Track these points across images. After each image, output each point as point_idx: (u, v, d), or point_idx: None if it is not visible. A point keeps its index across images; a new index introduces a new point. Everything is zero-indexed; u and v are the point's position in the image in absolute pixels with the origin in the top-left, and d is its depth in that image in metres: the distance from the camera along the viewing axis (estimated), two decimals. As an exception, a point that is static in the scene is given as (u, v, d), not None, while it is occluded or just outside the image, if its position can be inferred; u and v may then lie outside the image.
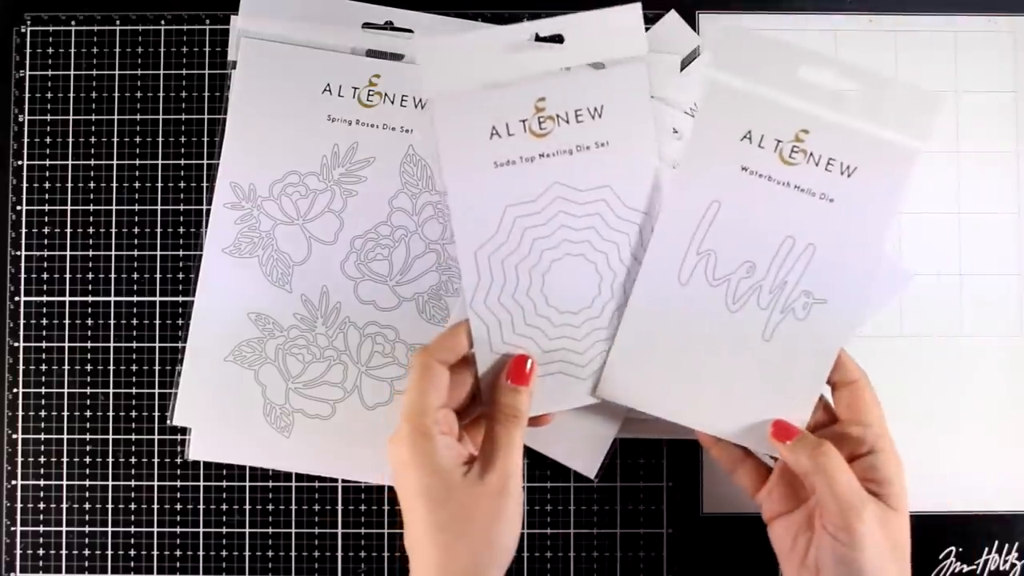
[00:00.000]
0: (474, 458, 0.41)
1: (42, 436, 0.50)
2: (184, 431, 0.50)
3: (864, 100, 0.44)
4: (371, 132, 0.49)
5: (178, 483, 0.50)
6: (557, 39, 0.46)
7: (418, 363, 0.42)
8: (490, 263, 0.45)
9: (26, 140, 0.51)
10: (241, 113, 0.49)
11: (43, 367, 0.50)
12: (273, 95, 0.49)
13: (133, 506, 0.50)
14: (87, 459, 0.50)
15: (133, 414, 0.50)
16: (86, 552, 0.50)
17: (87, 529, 0.50)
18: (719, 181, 0.44)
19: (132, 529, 0.50)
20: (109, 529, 0.50)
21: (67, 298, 0.50)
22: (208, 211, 0.50)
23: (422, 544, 0.39)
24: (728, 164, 0.44)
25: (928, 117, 0.43)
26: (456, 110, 0.45)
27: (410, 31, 0.50)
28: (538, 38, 0.46)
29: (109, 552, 0.50)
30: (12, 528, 0.50)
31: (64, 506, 0.50)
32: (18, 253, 0.50)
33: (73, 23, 0.51)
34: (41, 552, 0.50)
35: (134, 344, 0.50)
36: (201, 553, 0.50)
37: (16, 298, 0.50)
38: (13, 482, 0.50)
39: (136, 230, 0.50)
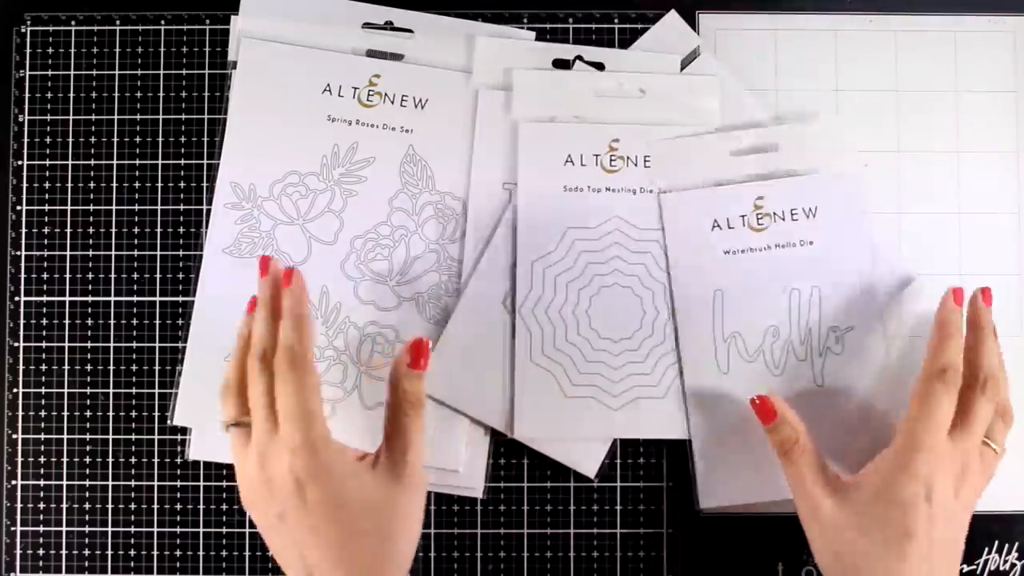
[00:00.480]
0: (367, 454, 0.41)
1: (42, 436, 0.50)
2: (184, 431, 0.50)
3: (792, 149, 0.48)
4: (371, 132, 0.49)
5: (178, 483, 0.50)
6: (598, 66, 0.50)
7: (295, 356, 0.39)
8: (544, 275, 0.48)
9: (26, 140, 0.51)
10: (241, 113, 0.49)
11: (43, 367, 0.50)
12: (273, 95, 0.49)
13: (133, 506, 0.50)
14: (87, 459, 0.50)
15: (133, 414, 0.50)
16: (86, 552, 0.50)
17: (87, 529, 0.50)
18: (711, 271, 0.48)
19: (132, 529, 0.50)
20: (109, 529, 0.50)
21: (67, 298, 0.50)
22: (208, 211, 0.50)
23: (326, 560, 0.37)
24: (712, 253, 0.48)
25: (847, 140, 0.49)
26: (539, 134, 0.49)
27: (410, 31, 0.50)
28: (581, 60, 0.50)
29: (109, 552, 0.50)
30: (12, 528, 0.50)
31: (64, 506, 0.50)
32: (18, 253, 0.50)
33: (73, 23, 0.51)
34: (41, 552, 0.50)
35: (134, 344, 0.50)
36: (201, 553, 0.50)
37: (16, 298, 0.50)
38: (13, 482, 0.50)
39: (136, 230, 0.50)
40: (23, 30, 0.51)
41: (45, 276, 0.50)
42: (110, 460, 0.50)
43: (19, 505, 0.50)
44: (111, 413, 0.50)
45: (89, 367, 0.50)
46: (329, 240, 0.49)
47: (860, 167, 0.49)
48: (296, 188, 0.49)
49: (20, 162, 0.51)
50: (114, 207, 0.51)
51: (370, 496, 0.39)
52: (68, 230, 0.50)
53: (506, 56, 0.49)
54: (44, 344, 0.50)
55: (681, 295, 0.48)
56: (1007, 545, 0.50)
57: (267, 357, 0.40)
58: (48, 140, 0.51)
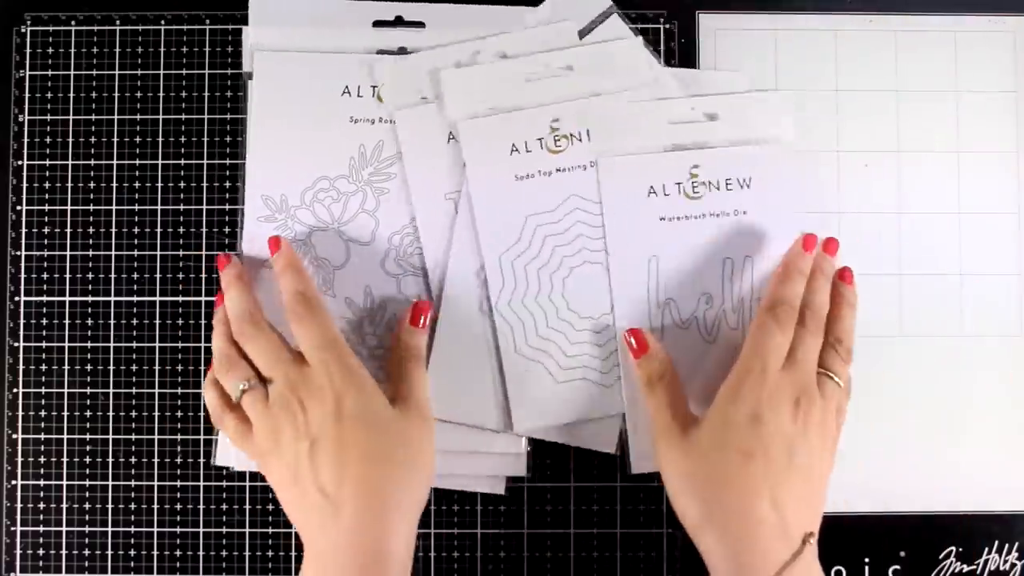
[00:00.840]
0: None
1: (42, 436, 0.50)
2: (184, 431, 0.50)
3: (730, 120, 0.48)
4: (394, 128, 0.49)
5: (178, 483, 0.50)
6: (419, 24, 0.49)
7: (307, 298, 0.43)
8: (513, 267, 0.47)
9: (26, 140, 0.51)
10: (263, 126, 0.49)
11: (43, 367, 0.50)
12: (293, 104, 0.49)
13: (133, 506, 0.50)
14: (87, 459, 0.50)
15: (133, 414, 0.50)
16: (86, 552, 0.50)
17: (87, 529, 0.50)
18: (646, 238, 0.48)
19: (132, 529, 0.50)
20: (109, 529, 0.50)
21: (67, 298, 0.50)
22: (209, 211, 0.50)
23: (357, 477, 0.40)
24: (646, 219, 0.48)
25: (786, 115, 0.49)
26: (480, 131, 0.48)
27: (421, 24, 0.50)
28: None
29: (109, 552, 0.50)
30: (12, 528, 0.50)
31: (64, 506, 0.50)
32: (18, 253, 0.50)
33: (73, 23, 0.51)
34: (41, 552, 0.50)
35: (134, 344, 0.50)
36: (201, 553, 0.50)
37: (16, 298, 0.50)
38: (13, 482, 0.50)
39: (136, 230, 0.50)
40: (23, 30, 0.51)
41: (45, 276, 0.50)
42: (110, 460, 0.50)
43: (19, 505, 0.50)
44: (111, 413, 0.50)
45: (89, 367, 0.50)
46: (366, 240, 0.49)
47: (794, 138, 0.49)
48: (327, 193, 0.49)
49: (20, 162, 0.51)
50: (114, 207, 0.51)
51: (391, 422, 0.42)
52: (68, 230, 0.50)
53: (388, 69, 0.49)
54: (44, 344, 0.50)
55: (617, 261, 0.48)
56: (1007, 545, 0.50)
57: (254, 317, 0.44)
58: (48, 140, 0.51)
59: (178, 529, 0.50)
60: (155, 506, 0.50)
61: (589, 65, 0.48)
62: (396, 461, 0.41)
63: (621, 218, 0.48)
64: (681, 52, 0.51)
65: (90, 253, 0.50)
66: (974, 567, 0.50)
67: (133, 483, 0.50)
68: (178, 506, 0.50)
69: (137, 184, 0.51)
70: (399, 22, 0.50)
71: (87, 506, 0.50)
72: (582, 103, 0.48)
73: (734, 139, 0.48)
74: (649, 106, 0.48)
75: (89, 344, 0.50)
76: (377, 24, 0.50)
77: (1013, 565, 0.50)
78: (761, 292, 0.47)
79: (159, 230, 0.50)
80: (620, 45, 0.49)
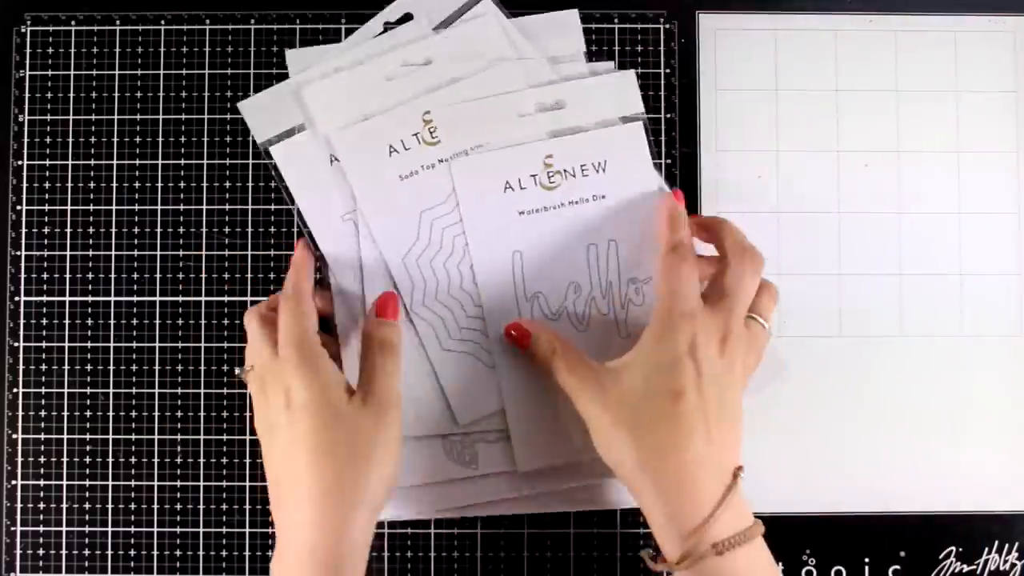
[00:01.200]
0: (352, 389, 0.43)
1: (42, 436, 0.50)
2: (184, 431, 0.50)
3: (578, 106, 0.48)
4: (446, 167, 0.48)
5: (178, 483, 0.50)
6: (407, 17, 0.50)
7: (291, 291, 0.44)
8: (419, 266, 0.47)
9: (26, 140, 0.51)
10: (303, 188, 0.49)
11: (43, 367, 0.50)
12: (344, 181, 0.48)
13: (133, 506, 0.50)
14: (87, 459, 0.50)
15: (133, 414, 0.50)
16: (86, 552, 0.50)
17: (87, 529, 0.50)
18: (507, 233, 0.47)
19: (132, 529, 0.50)
20: (109, 529, 0.50)
21: (67, 298, 0.50)
22: (209, 211, 0.50)
23: (302, 469, 0.40)
24: (505, 214, 0.47)
25: (631, 90, 0.48)
26: (354, 141, 0.47)
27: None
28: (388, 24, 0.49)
29: (109, 552, 0.50)
30: (12, 528, 0.50)
31: (64, 506, 0.50)
32: (18, 253, 0.50)
33: (73, 23, 0.51)
34: (41, 552, 0.50)
35: (134, 344, 0.50)
36: (201, 553, 0.50)
37: (16, 298, 0.50)
38: (13, 482, 0.50)
39: (136, 230, 0.50)
40: (23, 30, 0.51)
41: (45, 276, 0.50)
42: (110, 460, 0.50)
43: (19, 505, 0.50)
44: (111, 413, 0.50)
45: (89, 367, 0.50)
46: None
47: (643, 117, 0.48)
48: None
49: (20, 162, 0.51)
50: (114, 207, 0.51)
51: (344, 417, 0.41)
52: (68, 230, 0.50)
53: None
54: (44, 344, 0.50)
55: (481, 260, 0.47)
56: (1007, 545, 0.50)
57: (287, 299, 0.45)
58: (48, 140, 0.51)
59: (178, 529, 0.50)
60: (155, 506, 0.50)
61: (448, 55, 0.48)
62: (344, 454, 0.41)
63: (480, 215, 0.47)
64: (681, 52, 0.51)
65: (90, 253, 0.50)
66: (974, 567, 0.50)
67: (133, 483, 0.50)
68: (178, 506, 0.50)
69: (137, 184, 0.51)
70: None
71: (87, 506, 0.50)
72: (444, 94, 0.48)
73: (584, 124, 0.48)
74: (497, 101, 0.48)
75: (89, 344, 0.50)
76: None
77: (1013, 565, 0.50)
78: (632, 274, 0.47)
79: (159, 230, 0.50)
80: (474, 30, 0.48)
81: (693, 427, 0.40)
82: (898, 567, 0.50)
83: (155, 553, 0.50)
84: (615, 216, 0.47)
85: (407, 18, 0.49)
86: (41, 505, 0.50)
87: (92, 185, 0.51)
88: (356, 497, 0.40)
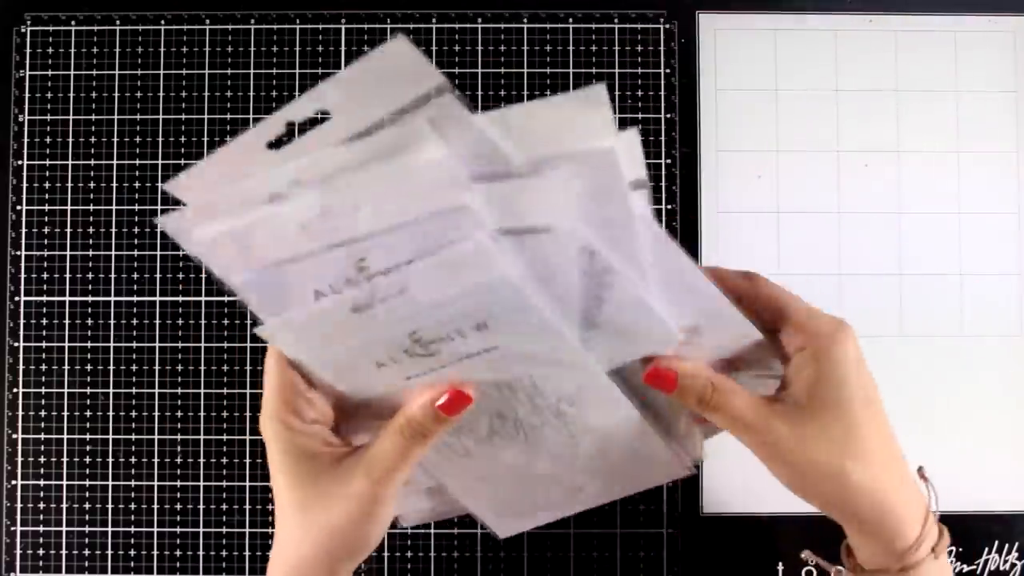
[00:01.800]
0: (349, 446, 0.38)
1: (42, 436, 0.50)
2: (184, 431, 0.50)
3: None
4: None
5: (178, 483, 0.50)
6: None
7: (272, 348, 0.37)
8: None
9: (26, 140, 0.51)
10: None
11: (43, 367, 0.50)
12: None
13: (133, 506, 0.50)
14: (87, 459, 0.50)
15: (133, 414, 0.50)
16: (86, 552, 0.50)
17: (87, 529, 0.50)
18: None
19: (132, 529, 0.50)
20: (109, 529, 0.50)
21: (67, 298, 0.50)
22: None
23: (284, 515, 0.37)
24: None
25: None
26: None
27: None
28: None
29: (109, 552, 0.50)
30: (12, 528, 0.50)
31: (64, 506, 0.50)
32: (18, 253, 0.50)
33: (73, 23, 0.51)
34: (41, 552, 0.50)
35: (134, 344, 0.50)
36: (201, 553, 0.50)
37: (16, 298, 0.50)
38: (13, 482, 0.50)
39: (136, 230, 0.50)
40: (23, 30, 0.51)
41: (45, 276, 0.50)
42: (110, 460, 0.50)
43: (19, 505, 0.50)
44: (111, 413, 0.50)
45: (89, 367, 0.50)
46: None
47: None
48: None
49: (20, 162, 0.51)
50: (114, 207, 0.51)
51: (317, 481, 0.37)
52: (68, 230, 0.50)
53: None
54: (44, 344, 0.50)
55: None
56: (1007, 545, 0.50)
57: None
58: (48, 140, 0.51)
59: (178, 529, 0.50)
60: (155, 506, 0.50)
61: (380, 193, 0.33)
62: (318, 522, 0.37)
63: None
64: (681, 52, 0.51)
65: (90, 253, 0.50)
66: (974, 567, 0.50)
67: (133, 483, 0.50)
68: (178, 506, 0.50)
69: (137, 184, 0.51)
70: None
71: (87, 506, 0.50)
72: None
73: (438, 298, 0.34)
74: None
75: (89, 344, 0.50)
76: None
77: (1013, 565, 0.50)
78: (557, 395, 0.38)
79: (159, 230, 0.50)
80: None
81: (888, 430, 0.39)
82: (898, 567, 0.50)
83: (155, 553, 0.50)
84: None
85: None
86: (41, 505, 0.50)
87: (92, 185, 0.51)
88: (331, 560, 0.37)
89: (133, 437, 0.50)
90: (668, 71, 0.51)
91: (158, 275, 0.50)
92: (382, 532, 0.37)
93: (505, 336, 0.36)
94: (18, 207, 0.51)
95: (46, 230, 0.50)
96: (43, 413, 0.50)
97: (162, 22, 0.51)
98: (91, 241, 0.50)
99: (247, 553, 0.49)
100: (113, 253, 0.50)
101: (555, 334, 0.36)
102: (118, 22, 0.51)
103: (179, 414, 0.50)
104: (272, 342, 0.36)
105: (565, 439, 0.40)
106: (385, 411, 0.38)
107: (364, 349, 0.35)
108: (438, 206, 0.32)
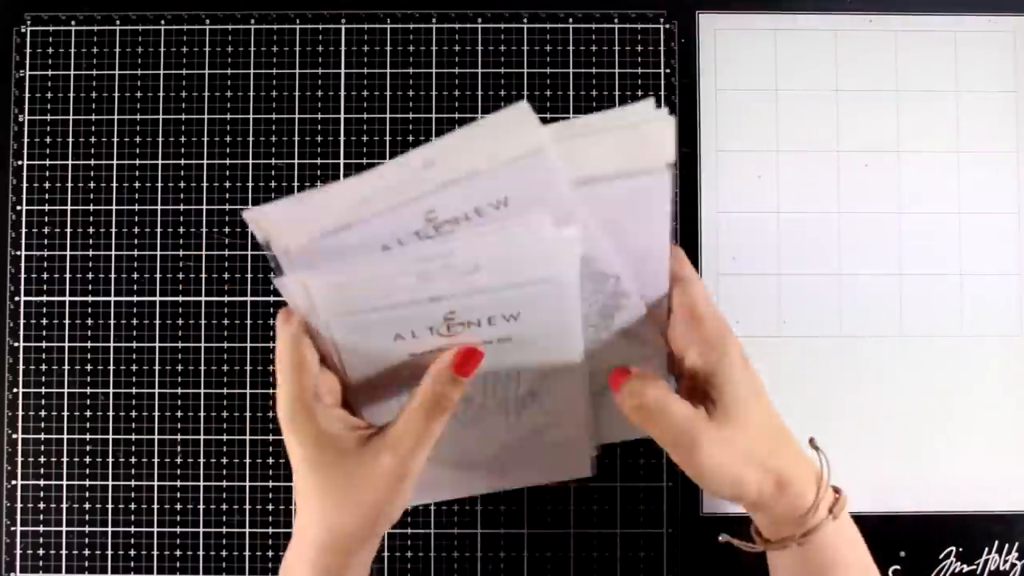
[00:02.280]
0: (371, 427, 0.38)
1: (42, 436, 0.50)
2: (184, 431, 0.50)
3: (492, 269, 0.35)
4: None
5: (178, 483, 0.50)
6: None
7: (285, 334, 0.37)
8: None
9: (26, 140, 0.51)
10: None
11: (43, 367, 0.50)
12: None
13: (133, 506, 0.50)
14: (87, 459, 0.50)
15: (133, 414, 0.50)
16: (86, 552, 0.50)
17: (87, 529, 0.50)
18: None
19: (132, 529, 0.50)
20: (109, 529, 0.50)
21: (67, 298, 0.50)
22: (209, 211, 0.50)
23: (307, 499, 0.38)
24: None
25: (567, 255, 0.35)
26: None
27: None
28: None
29: (109, 552, 0.50)
30: (12, 528, 0.50)
31: (64, 506, 0.50)
32: (18, 253, 0.50)
33: (73, 23, 0.51)
34: (41, 552, 0.50)
35: (134, 344, 0.50)
36: (201, 553, 0.50)
37: (16, 298, 0.50)
38: (13, 482, 0.50)
39: (136, 230, 0.50)
40: (23, 30, 0.51)
41: (45, 276, 0.50)
42: (110, 460, 0.50)
43: (19, 505, 0.50)
44: (111, 413, 0.50)
45: (89, 367, 0.50)
46: None
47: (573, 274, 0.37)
48: None
49: (20, 162, 0.51)
50: (114, 207, 0.51)
51: (340, 463, 0.37)
52: (68, 230, 0.50)
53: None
54: (44, 344, 0.50)
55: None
56: (1007, 545, 0.50)
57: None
58: (48, 140, 0.51)
59: (178, 529, 0.50)
60: (155, 506, 0.50)
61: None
62: (344, 503, 0.38)
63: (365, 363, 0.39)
64: (681, 52, 0.51)
65: (90, 253, 0.50)
66: (974, 567, 0.50)
67: (133, 483, 0.50)
68: (178, 506, 0.50)
69: (137, 184, 0.51)
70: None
71: (87, 506, 0.50)
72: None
73: (497, 285, 0.36)
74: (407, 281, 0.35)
75: (89, 344, 0.50)
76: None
77: (1013, 565, 0.50)
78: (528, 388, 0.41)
79: (159, 230, 0.50)
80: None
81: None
82: (898, 567, 0.50)
83: (155, 553, 0.50)
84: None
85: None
86: (41, 505, 0.50)
87: (92, 185, 0.51)
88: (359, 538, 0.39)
89: (133, 437, 0.50)
90: (668, 71, 0.51)
91: (158, 275, 0.50)
92: (406, 504, 0.39)
93: (528, 329, 0.38)
94: (18, 207, 0.51)
95: (46, 230, 0.50)
96: (43, 413, 0.50)
97: (162, 22, 0.51)
98: (91, 241, 0.50)
99: (247, 553, 0.49)
100: (113, 253, 0.50)
101: (573, 335, 0.38)
102: (118, 22, 0.51)
103: (179, 414, 0.50)
104: (305, 291, 0.35)
105: (507, 425, 0.42)
106: (380, 391, 0.39)
107: (395, 317, 0.36)
108: (509, 155, 0.34)
